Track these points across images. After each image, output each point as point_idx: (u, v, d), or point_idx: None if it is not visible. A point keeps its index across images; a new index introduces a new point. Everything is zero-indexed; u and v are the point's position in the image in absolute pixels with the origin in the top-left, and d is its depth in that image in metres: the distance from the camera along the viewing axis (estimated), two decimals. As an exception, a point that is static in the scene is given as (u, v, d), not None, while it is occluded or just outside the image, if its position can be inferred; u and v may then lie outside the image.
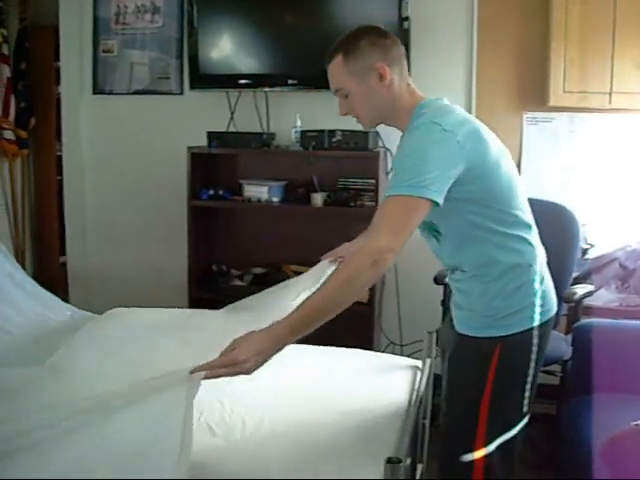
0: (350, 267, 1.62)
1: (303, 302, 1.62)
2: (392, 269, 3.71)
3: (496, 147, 1.79)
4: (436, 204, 1.64)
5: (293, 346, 2.62)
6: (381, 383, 2.38)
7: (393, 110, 1.85)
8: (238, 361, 1.55)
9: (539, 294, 1.83)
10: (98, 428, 1.54)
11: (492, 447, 1.82)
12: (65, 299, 4.15)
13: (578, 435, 2.43)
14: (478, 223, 1.78)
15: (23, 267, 4.34)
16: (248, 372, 1.57)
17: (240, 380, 2.25)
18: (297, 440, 1.89)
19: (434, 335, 2.58)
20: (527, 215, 1.86)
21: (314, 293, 1.63)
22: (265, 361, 1.59)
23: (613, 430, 2.09)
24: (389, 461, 1.60)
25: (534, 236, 1.86)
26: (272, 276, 3.82)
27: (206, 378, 1.57)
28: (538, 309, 1.82)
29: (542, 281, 1.85)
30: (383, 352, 3.47)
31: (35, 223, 4.73)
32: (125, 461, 1.50)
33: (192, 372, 1.57)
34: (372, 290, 3.55)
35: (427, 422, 2.58)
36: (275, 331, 1.60)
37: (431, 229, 1.86)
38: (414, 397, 2.19)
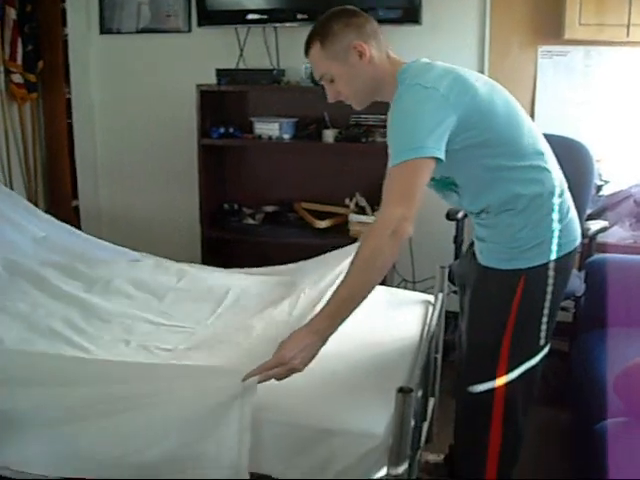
0: (369, 246, 1.65)
1: (335, 291, 1.66)
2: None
3: (484, 86, 1.79)
4: (438, 160, 1.66)
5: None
6: (393, 317, 2.38)
7: (379, 84, 1.85)
8: (286, 360, 1.60)
9: (564, 222, 1.84)
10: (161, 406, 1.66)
11: (513, 375, 1.86)
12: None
13: (591, 369, 2.44)
14: (491, 165, 1.78)
15: (37, 210, 4.40)
16: (298, 369, 1.62)
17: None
18: (309, 372, 1.89)
19: (446, 270, 2.57)
20: (537, 142, 1.85)
21: (342, 280, 1.66)
22: (313, 356, 1.64)
23: (626, 364, 2.08)
24: (400, 390, 1.60)
25: (549, 161, 1.85)
26: (284, 214, 3.82)
27: (260, 382, 1.63)
28: (562, 239, 1.83)
29: (567, 210, 1.86)
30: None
31: (47, 167, 4.70)
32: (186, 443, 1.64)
33: (244, 379, 1.62)
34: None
35: (439, 357, 2.59)
36: (315, 326, 1.64)
37: (448, 184, 1.88)
38: (426, 331, 2.19)
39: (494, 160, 1.78)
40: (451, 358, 3.27)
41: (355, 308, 1.65)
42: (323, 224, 3.66)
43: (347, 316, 1.65)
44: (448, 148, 1.69)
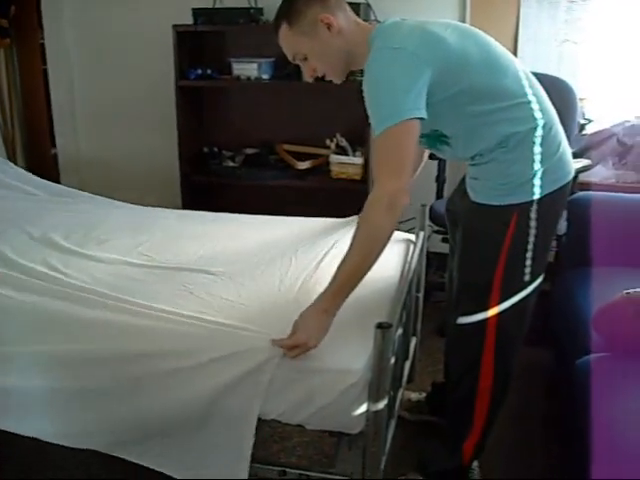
0: (367, 223, 1.69)
1: (338, 269, 1.71)
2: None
3: (453, 35, 1.76)
4: (421, 119, 1.66)
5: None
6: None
7: (352, 54, 1.83)
8: (301, 342, 1.66)
9: (555, 157, 1.82)
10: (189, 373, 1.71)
11: (505, 306, 1.87)
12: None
13: (572, 307, 2.44)
14: (475, 111, 1.77)
15: (14, 160, 4.33)
16: (315, 347, 1.67)
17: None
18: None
19: (427, 209, 2.55)
20: (521, 80, 1.82)
21: (344, 258, 1.70)
22: (326, 332, 1.69)
23: (606, 301, 2.08)
24: (379, 326, 1.59)
25: (537, 97, 1.82)
26: (264, 156, 3.77)
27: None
28: (553, 174, 1.81)
29: (558, 145, 1.84)
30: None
31: (23, 115, 4.62)
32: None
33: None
34: (365, 166, 3.50)
35: (421, 296, 2.58)
36: (322, 305, 1.70)
37: (438, 137, 1.87)
38: (406, 270, 2.17)
39: (477, 106, 1.76)
40: (433, 299, 3.29)
41: (358, 283, 1.70)
42: (304, 165, 3.62)
43: (352, 290, 1.71)
44: (429, 101, 1.67)
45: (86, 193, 3.11)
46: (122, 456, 1.80)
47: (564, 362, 2.27)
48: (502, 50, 1.84)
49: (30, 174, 3.31)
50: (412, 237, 2.49)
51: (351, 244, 1.70)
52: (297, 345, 1.66)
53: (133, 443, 1.80)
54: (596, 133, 3.34)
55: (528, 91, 1.80)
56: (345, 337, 1.75)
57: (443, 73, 1.70)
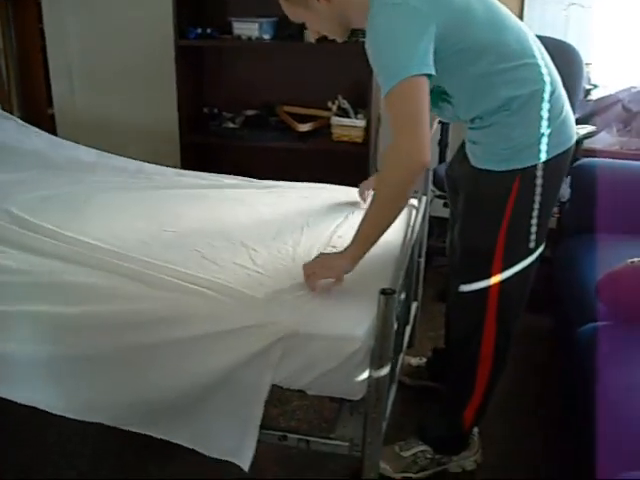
0: (385, 182, 1.70)
1: (357, 230, 1.75)
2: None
3: None
4: (429, 76, 1.61)
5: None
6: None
7: (350, 16, 1.80)
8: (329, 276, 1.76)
9: (558, 121, 1.78)
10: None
11: (507, 274, 1.85)
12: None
13: (574, 274, 2.42)
14: (478, 71, 1.73)
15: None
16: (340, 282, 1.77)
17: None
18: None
19: (430, 173, 2.52)
20: (526, 42, 1.77)
21: (363, 217, 1.75)
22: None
23: (610, 268, 2.06)
24: (383, 292, 1.57)
25: (541, 60, 1.77)
26: (265, 117, 3.72)
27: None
28: (555, 138, 1.77)
29: (561, 108, 1.80)
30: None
31: (20, 74, 4.54)
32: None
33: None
34: (367, 129, 3.46)
35: (422, 261, 2.57)
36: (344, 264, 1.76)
37: (440, 94, 1.82)
38: (409, 235, 2.15)
39: (481, 66, 1.72)
40: (435, 264, 3.27)
41: (377, 240, 1.74)
42: (305, 127, 3.57)
43: (369, 249, 1.75)
44: (433, 58, 1.63)
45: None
46: (129, 429, 1.80)
47: (566, 329, 2.26)
48: (507, 11, 1.79)
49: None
50: (415, 202, 2.47)
51: (371, 203, 1.72)
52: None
53: (140, 415, 1.79)
54: (601, 99, 3.30)
55: (535, 52, 1.76)
56: (347, 303, 1.73)
57: (446, 28, 1.65)
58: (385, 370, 1.66)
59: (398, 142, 1.62)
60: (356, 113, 3.46)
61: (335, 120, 3.48)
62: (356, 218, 2.26)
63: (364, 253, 1.74)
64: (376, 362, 1.64)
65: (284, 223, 2.25)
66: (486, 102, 1.75)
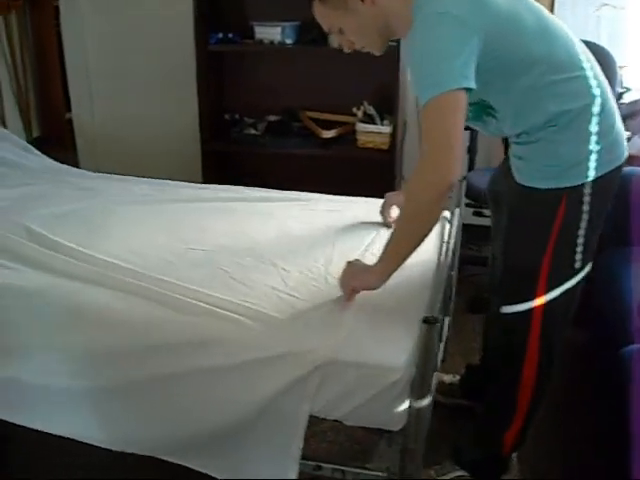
0: (413, 199, 1.61)
1: (385, 247, 1.68)
2: (415, 111, 3.51)
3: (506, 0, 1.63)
4: (469, 90, 1.53)
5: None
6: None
7: (391, 23, 1.71)
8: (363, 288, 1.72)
9: (609, 137, 1.69)
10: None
11: (551, 296, 1.78)
12: (74, 158, 4.04)
13: (613, 290, 2.33)
14: (527, 82, 1.65)
15: (29, 126, 4.22)
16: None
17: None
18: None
19: (464, 184, 2.43)
20: (576, 52, 1.68)
21: (391, 234, 1.69)
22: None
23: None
24: (425, 321, 1.49)
25: (592, 71, 1.68)
26: (288, 124, 3.65)
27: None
28: (606, 155, 1.68)
29: (613, 123, 1.71)
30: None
31: (38, 79, 4.49)
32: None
33: None
34: (393, 136, 3.37)
35: (454, 274, 2.48)
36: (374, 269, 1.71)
37: (485, 108, 1.75)
38: (444, 249, 2.07)
39: (529, 78, 1.64)
40: (465, 273, 3.19)
41: (405, 260, 1.66)
42: (329, 134, 3.49)
43: (396, 269, 1.68)
44: (478, 69, 1.55)
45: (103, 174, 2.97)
46: (167, 459, 1.75)
47: (606, 348, 2.18)
48: (557, 20, 1.71)
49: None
50: (447, 214, 2.38)
51: (398, 219, 1.70)
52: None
53: (178, 445, 1.74)
54: (634, 102, 3.20)
55: (585, 63, 1.67)
56: (385, 329, 1.66)
57: (494, 39, 1.57)
58: (426, 400, 1.58)
59: (429, 157, 1.55)
60: (382, 119, 3.38)
61: (360, 126, 3.40)
62: (387, 233, 2.20)
63: (393, 270, 1.66)
64: (417, 393, 1.57)
65: (315, 239, 2.17)
66: (533, 117, 1.67)
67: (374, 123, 3.38)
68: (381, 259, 1.68)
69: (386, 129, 3.36)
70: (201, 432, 1.70)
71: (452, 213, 2.35)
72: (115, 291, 1.81)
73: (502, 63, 1.61)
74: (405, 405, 1.60)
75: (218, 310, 1.71)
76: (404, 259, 1.65)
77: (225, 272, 1.92)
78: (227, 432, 1.68)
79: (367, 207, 2.42)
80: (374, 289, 1.69)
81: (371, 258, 1.99)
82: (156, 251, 2.05)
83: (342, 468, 1.76)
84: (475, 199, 3.00)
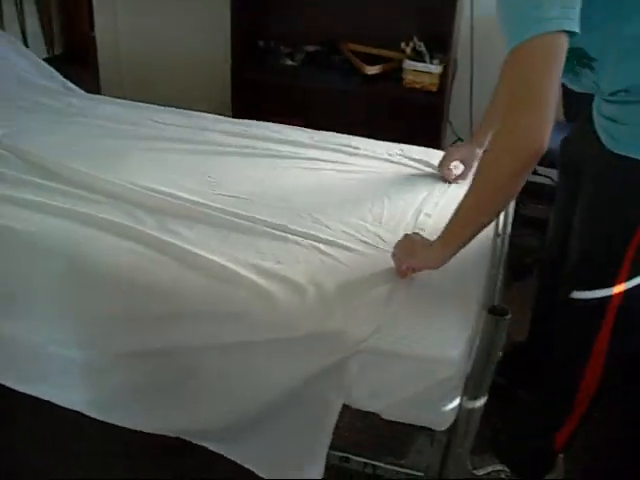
0: (488, 167, 1.33)
1: (450, 220, 1.40)
2: (467, 53, 3.19)
3: None
4: (570, 34, 1.21)
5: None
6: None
7: None
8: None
9: None
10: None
11: (633, 284, 1.50)
12: (96, 76, 3.76)
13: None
14: (634, 30, 1.34)
15: (52, 43, 3.94)
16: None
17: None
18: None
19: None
20: None
21: (458, 205, 1.38)
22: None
23: None
24: (492, 311, 1.24)
25: None
26: (327, 55, 3.32)
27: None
28: None
29: None
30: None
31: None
32: None
33: None
34: (443, 77, 3.06)
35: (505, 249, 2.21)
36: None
37: (580, 58, 1.43)
38: (501, 230, 1.81)
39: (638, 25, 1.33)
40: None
41: (474, 236, 1.38)
42: (373, 70, 3.15)
43: (463, 246, 1.40)
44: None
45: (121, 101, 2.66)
46: (182, 437, 1.57)
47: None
48: None
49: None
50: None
51: (468, 194, 1.35)
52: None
53: (195, 425, 1.55)
54: None
55: None
56: (437, 316, 1.40)
57: None
58: (482, 401, 1.35)
59: (515, 118, 1.24)
60: (432, 58, 3.04)
61: (408, 64, 3.06)
62: (443, 191, 1.94)
63: (455, 252, 1.40)
64: (472, 392, 1.33)
65: (361, 193, 1.90)
66: (637, 72, 1.37)
67: (423, 61, 3.05)
68: (443, 237, 1.42)
69: (436, 69, 3.03)
70: (222, 414, 1.50)
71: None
72: (132, 243, 1.57)
73: (607, 3, 1.31)
74: (455, 403, 1.36)
75: (243, 274, 1.46)
76: (470, 239, 1.37)
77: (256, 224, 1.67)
78: (250, 415, 1.47)
79: (420, 157, 2.15)
80: (432, 269, 1.44)
81: (424, 220, 1.75)
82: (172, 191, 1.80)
83: (373, 462, 1.55)
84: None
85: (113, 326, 1.49)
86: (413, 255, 1.47)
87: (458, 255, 1.40)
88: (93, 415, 1.60)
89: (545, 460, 1.82)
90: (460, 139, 3.30)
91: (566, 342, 1.70)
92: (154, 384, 1.53)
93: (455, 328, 1.36)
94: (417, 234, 1.55)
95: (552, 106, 1.23)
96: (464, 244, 1.38)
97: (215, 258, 1.49)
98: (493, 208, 1.33)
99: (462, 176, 2.02)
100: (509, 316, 1.24)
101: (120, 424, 1.59)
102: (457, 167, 2.00)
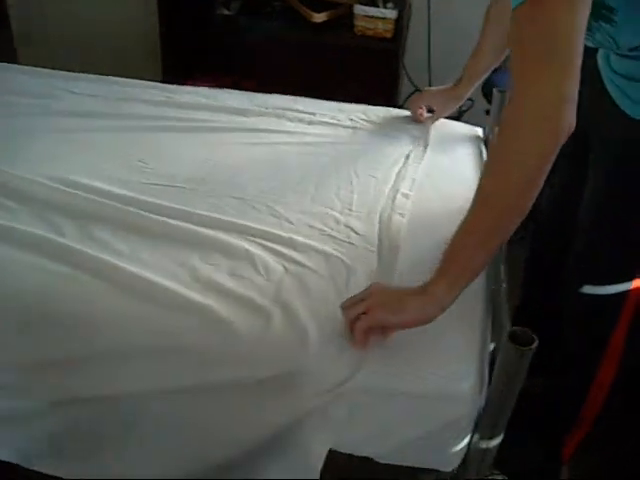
0: (506, 148, 1.01)
1: (454, 240, 1.04)
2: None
3: None
4: None
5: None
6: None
7: None
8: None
9: None
10: None
11: None
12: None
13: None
14: None
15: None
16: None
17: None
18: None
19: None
20: None
21: (470, 209, 1.03)
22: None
23: None
24: (513, 338, 0.96)
25: None
26: (268, 2, 2.97)
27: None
28: None
29: None
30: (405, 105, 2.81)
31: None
32: None
33: None
34: (398, 22, 2.74)
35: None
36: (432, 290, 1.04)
37: (599, 9, 1.16)
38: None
39: None
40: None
41: (498, 247, 1.05)
42: (320, 17, 2.81)
43: (484, 265, 1.05)
44: None
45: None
46: None
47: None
48: None
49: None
50: (479, 132, 1.86)
51: (480, 185, 1.04)
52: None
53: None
54: None
55: None
56: (436, 342, 1.10)
57: None
58: (498, 439, 1.09)
59: (531, 84, 0.96)
60: (385, 2, 2.73)
61: (359, 9, 2.74)
62: (418, 162, 1.65)
63: (465, 286, 1.05)
64: (487, 430, 1.07)
65: (323, 172, 1.59)
66: None
67: (376, 5, 2.74)
68: (447, 272, 1.04)
69: (391, 14, 2.72)
70: (171, 469, 1.20)
71: (490, 130, 1.81)
72: (46, 261, 1.23)
73: None
74: (465, 442, 1.10)
75: (193, 298, 1.15)
76: (483, 268, 1.06)
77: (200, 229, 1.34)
78: (208, 470, 1.18)
79: (380, 115, 1.86)
80: (426, 324, 1.05)
81: (403, 202, 1.46)
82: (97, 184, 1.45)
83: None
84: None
85: (29, 373, 1.16)
86: (402, 310, 1.04)
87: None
88: (24, 465, 1.30)
89: (550, 471, 1.61)
90: (418, 89, 3.00)
91: (577, 340, 1.47)
92: (91, 432, 1.22)
93: (460, 356, 1.08)
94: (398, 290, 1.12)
95: (578, 66, 0.96)
96: (476, 276, 1.06)
97: (152, 276, 1.17)
98: (516, 213, 1.01)
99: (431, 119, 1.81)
100: (535, 344, 0.96)
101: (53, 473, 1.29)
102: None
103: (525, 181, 0.98)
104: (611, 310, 1.35)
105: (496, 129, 1.77)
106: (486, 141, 1.81)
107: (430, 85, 2.97)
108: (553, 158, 0.97)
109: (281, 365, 1.06)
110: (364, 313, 1.04)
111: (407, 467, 1.16)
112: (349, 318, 1.07)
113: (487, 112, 2.41)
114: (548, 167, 0.97)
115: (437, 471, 1.17)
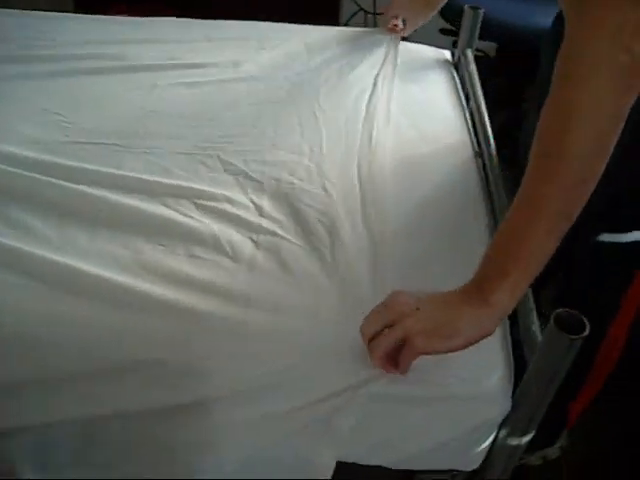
0: (583, 100, 0.75)
1: (512, 231, 0.82)
2: None
3: None
4: None
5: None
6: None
7: None
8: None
9: None
10: None
11: None
12: None
13: None
14: None
15: None
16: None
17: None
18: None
19: (481, 13, 1.60)
20: None
21: (526, 205, 0.80)
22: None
23: None
24: (559, 322, 0.77)
25: None
26: None
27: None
28: None
29: None
30: (348, 25, 2.59)
31: None
32: None
33: None
34: None
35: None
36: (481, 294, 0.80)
37: None
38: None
39: None
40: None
41: (565, 228, 0.81)
42: None
43: (543, 262, 0.80)
44: None
45: None
46: None
47: None
48: None
49: None
50: (447, 55, 1.63)
51: (537, 154, 0.80)
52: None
53: None
54: None
55: None
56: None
57: None
58: (529, 436, 0.91)
59: (615, 11, 0.73)
60: None
61: None
62: (388, 85, 1.42)
63: (526, 287, 0.82)
64: (521, 426, 0.88)
65: (283, 107, 1.34)
66: None
67: None
68: (507, 271, 0.80)
69: None
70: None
71: (460, 54, 1.58)
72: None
73: None
74: (489, 440, 0.92)
75: (147, 291, 0.91)
76: (547, 257, 0.81)
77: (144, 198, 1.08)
78: None
79: (340, 40, 1.59)
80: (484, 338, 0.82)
81: (382, 143, 1.23)
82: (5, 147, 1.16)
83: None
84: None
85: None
86: (454, 335, 0.80)
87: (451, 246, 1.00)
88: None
89: (555, 432, 1.50)
90: (362, 9, 2.74)
91: (590, 293, 1.30)
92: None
93: (485, 350, 0.87)
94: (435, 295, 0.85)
95: None
96: (539, 267, 0.81)
97: (90, 268, 0.92)
98: (587, 184, 0.78)
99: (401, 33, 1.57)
100: (587, 332, 0.76)
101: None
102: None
103: (601, 135, 0.76)
104: (628, 260, 1.21)
105: (469, 52, 1.56)
106: (456, 65, 1.59)
107: (374, 5, 2.73)
108: (629, 97, 0.75)
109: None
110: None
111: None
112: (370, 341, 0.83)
113: (442, 31, 2.20)
114: (625, 114, 0.76)
115: (451, 471, 0.99)
